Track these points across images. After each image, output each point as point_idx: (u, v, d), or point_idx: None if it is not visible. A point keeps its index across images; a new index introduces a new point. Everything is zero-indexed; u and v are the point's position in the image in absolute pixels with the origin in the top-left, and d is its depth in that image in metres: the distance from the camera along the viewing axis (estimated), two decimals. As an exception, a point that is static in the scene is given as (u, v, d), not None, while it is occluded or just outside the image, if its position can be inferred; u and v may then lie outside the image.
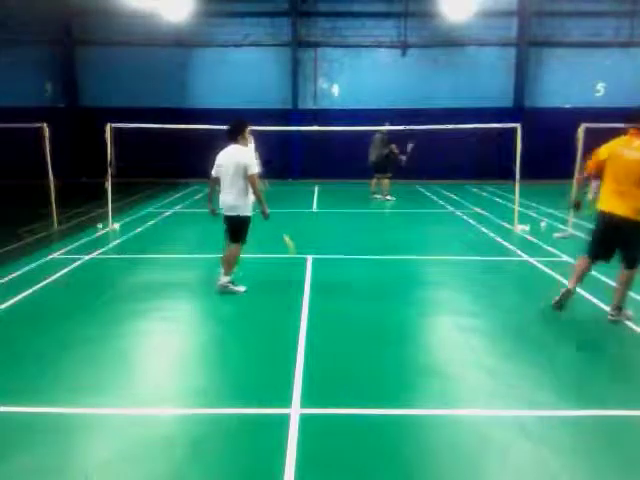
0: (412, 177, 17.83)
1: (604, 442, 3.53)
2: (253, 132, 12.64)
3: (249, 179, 6.32)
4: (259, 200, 6.44)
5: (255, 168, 6.37)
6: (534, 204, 13.03)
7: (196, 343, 5.24)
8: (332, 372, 4.47)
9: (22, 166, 16.25)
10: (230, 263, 6.54)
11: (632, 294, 6.35)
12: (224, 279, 6.53)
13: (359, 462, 3.29)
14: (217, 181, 6.59)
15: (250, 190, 6.38)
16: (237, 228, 6.48)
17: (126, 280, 7.10)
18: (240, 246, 6.55)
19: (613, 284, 6.73)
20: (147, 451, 3.41)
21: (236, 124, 6.49)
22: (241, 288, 6.61)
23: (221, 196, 6.52)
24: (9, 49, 18.24)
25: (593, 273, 7.23)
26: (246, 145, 6.55)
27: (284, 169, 18.05)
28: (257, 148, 12.57)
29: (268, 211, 6.49)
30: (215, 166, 6.59)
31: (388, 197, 13.95)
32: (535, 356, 4.77)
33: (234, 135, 6.45)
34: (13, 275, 7.10)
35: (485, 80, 18.70)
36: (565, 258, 8.08)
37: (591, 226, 5.82)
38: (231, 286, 6.55)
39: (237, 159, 6.33)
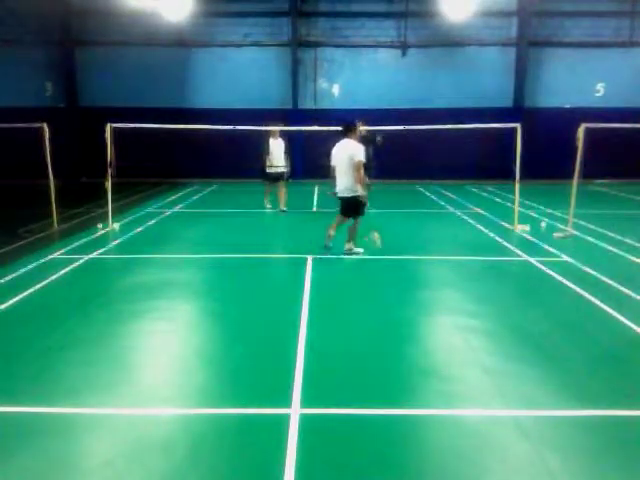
0: (412, 177, 17.85)
1: (603, 442, 3.53)
2: (286, 134, 12.59)
3: (355, 165, 7.80)
4: (359, 182, 7.90)
5: (360, 156, 7.83)
6: (534, 204, 13.03)
7: (196, 343, 5.24)
8: (332, 372, 4.47)
9: (22, 166, 16.25)
10: (353, 233, 8.21)
11: (633, 295, 6.37)
12: (348, 245, 8.22)
13: (359, 462, 3.30)
14: (334, 169, 8.13)
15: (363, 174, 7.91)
16: (353, 206, 8.08)
17: (126, 280, 7.10)
18: (359, 219, 8.18)
19: (612, 283, 6.74)
20: (147, 451, 3.41)
21: (348, 123, 8.14)
22: (360, 250, 8.23)
23: (337, 181, 8.10)
24: (9, 49, 18.21)
25: (593, 273, 7.25)
26: (356, 139, 8.09)
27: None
28: (288, 150, 12.35)
29: (364, 193, 8.11)
30: (332, 157, 8.15)
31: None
32: (535, 356, 4.77)
33: (346, 131, 8.07)
34: (13, 275, 7.10)
35: (485, 80, 18.68)
36: (565, 258, 8.08)
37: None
38: (354, 249, 8.20)
39: (348, 151, 7.88)
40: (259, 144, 12.12)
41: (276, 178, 12.23)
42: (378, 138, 12.36)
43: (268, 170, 12.12)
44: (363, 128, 12.76)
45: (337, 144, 8.12)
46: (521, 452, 3.39)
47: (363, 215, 8.25)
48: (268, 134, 12.15)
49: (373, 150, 12.85)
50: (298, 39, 18.70)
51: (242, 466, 3.26)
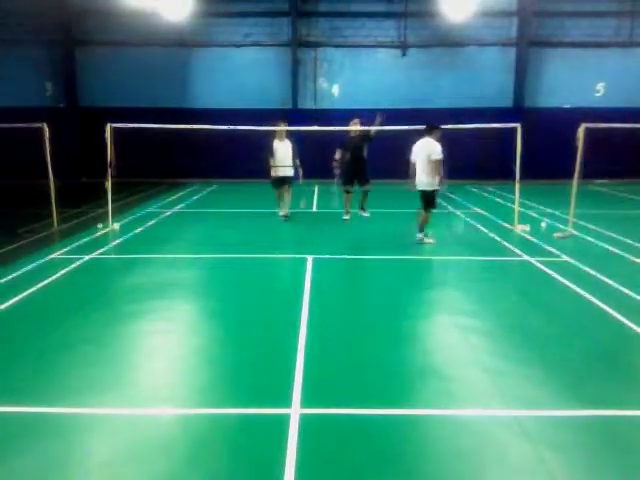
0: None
1: (603, 442, 3.53)
2: (293, 135, 12.43)
3: (432, 163, 8.62)
4: (440, 178, 8.74)
5: (437, 155, 8.59)
6: (534, 204, 13.03)
7: (196, 343, 5.23)
8: (332, 372, 4.47)
9: (22, 166, 16.24)
10: (423, 224, 9.02)
11: (633, 294, 6.37)
12: (419, 235, 9.03)
13: (359, 462, 3.30)
14: (414, 165, 8.89)
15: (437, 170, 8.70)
16: (429, 199, 8.89)
17: (126, 280, 7.10)
18: (429, 212, 8.98)
19: (612, 283, 6.74)
20: (147, 451, 3.41)
21: (431, 124, 8.92)
22: (431, 240, 9.02)
23: (416, 176, 8.88)
24: (9, 49, 18.21)
25: (592, 272, 7.25)
26: (436, 139, 8.76)
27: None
28: (295, 151, 11.86)
29: (443, 182, 8.91)
30: (412, 154, 8.95)
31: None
32: (535, 356, 4.77)
33: (428, 131, 8.86)
34: (13, 275, 7.10)
35: (485, 80, 18.67)
36: (565, 258, 8.08)
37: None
38: (425, 239, 9.00)
39: (428, 149, 8.68)
40: (259, 144, 12.02)
41: (282, 181, 11.39)
42: (379, 119, 11.68)
43: (273, 173, 11.31)
44: (356, 128, 12.68)
45: (418, 142, 8.90)
46: (521, 452, 3.39)
47: (434, 208, 9.09)
48: (273, 135, 11.40)
49: (368, 148, 12.71)
50: (298, 39, 18.70)
51: (242, 466, 3.27)
